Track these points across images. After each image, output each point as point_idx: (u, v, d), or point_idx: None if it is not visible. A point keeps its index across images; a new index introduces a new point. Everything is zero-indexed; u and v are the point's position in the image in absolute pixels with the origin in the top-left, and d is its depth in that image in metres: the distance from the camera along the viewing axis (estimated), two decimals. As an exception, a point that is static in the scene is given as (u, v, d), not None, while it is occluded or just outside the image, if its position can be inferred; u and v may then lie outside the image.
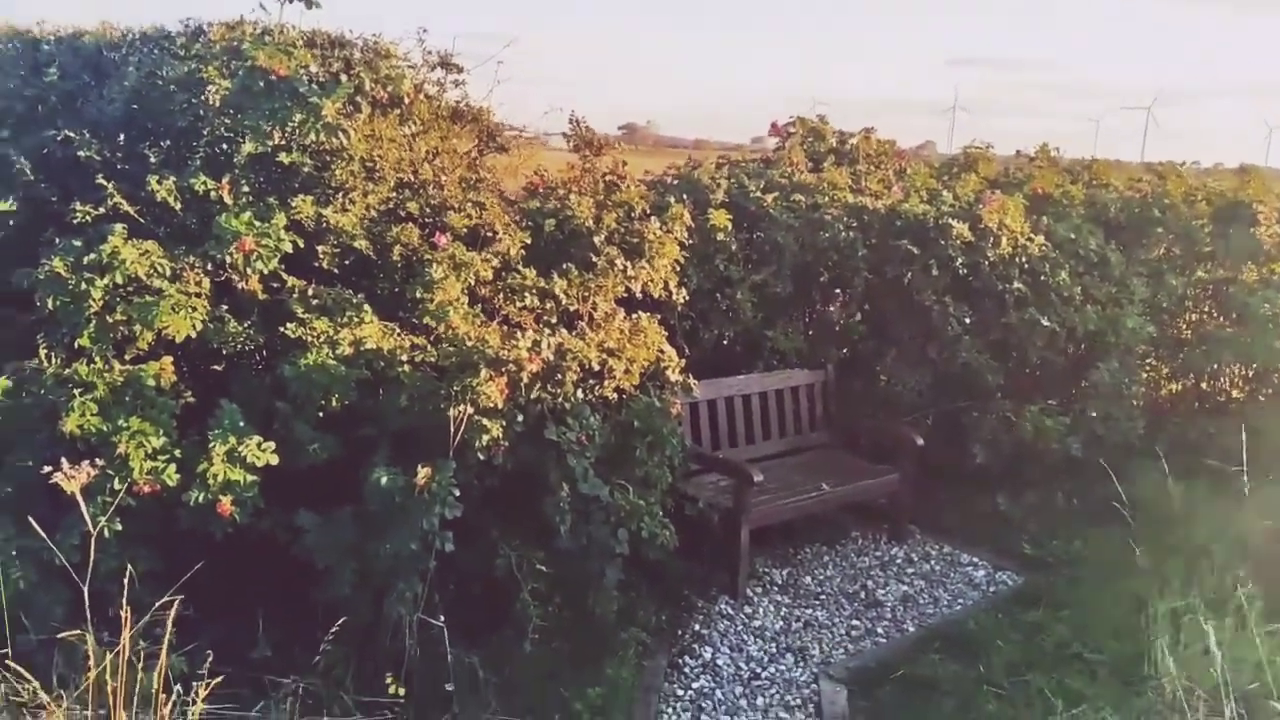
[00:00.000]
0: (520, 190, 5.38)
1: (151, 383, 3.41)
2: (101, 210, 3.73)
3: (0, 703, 2.57)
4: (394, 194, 4.59)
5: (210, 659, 2.80)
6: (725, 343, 5.90)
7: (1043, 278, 6.33)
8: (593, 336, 4.38)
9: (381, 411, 3.80)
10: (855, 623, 4.85)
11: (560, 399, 4.12)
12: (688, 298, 5.15)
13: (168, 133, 4.21)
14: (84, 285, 3.42)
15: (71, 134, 3.95)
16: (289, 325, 3.76)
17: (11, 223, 3.79)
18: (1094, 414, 6.35)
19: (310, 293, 3.94)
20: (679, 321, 5.40)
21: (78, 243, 3.55)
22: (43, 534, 2.85)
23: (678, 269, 5.03)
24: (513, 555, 3.94)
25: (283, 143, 4.21)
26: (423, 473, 3.49)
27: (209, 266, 3.74)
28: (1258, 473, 5.13)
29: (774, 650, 4.54)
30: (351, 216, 4.19)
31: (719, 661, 4.41)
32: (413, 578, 3.51)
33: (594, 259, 4.68)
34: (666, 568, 4.66)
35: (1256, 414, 6.57)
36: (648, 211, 5.08)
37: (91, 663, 2.57)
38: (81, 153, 3.91)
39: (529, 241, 4.59)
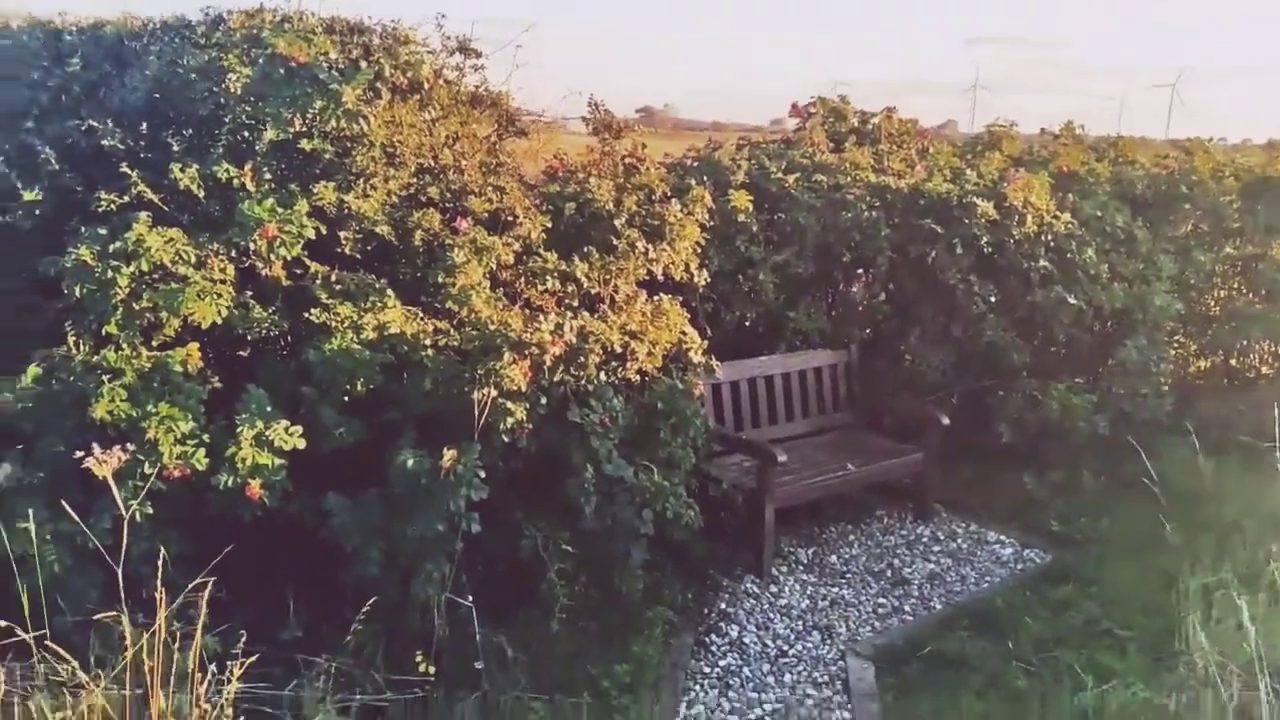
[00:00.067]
0: (540, 174, 5.38)
1: (179, 369, 3.44)
2: (126, 199, 3.77)
3: (40, 682, 2.60)
4: (415, 179, 4.60)
5: (244, 639, 2.83)
6: (747, 324, 5.88)
7: (1069, 255, 6.27)
8: (614, 319, 4.37)
9: (406, 395, 3.82)
10: (882, 601, 4.84)
11: (583, 381, 4.13)
12: (709, 279, 5.13)
13: (189, 121, 4.24)
14: (110, 273, 3.45)
15: (95, 123, 3.99)
16: (313, 311, 3.78)
17: (38, 212, 3.83)
18: (1121, 391, 6.29)
19: (333, 278, 3.96)
20: (701, 303, 5.38)
21: (103, 231, 3.58)
22: (76, 518, 2.89)
23: (699, 251, 5.01)
24: (538, 536, 3.95)
25: (304, 129, 4.23)
26: (448, 455, 3.50)
27: (233, 253, 3.76)
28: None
29: (800, 628, 4.55)
30: (373, 202, 4.20)
31: (745, 639, 4.42)
32: (440, 558, 3.54)
33: (615, 242, 4.68)
34: (691, 548, 4.67)
35: (1287, 390, 6.49)
36: (668, 194, 5.06)
37: (128, 643, 2.60)
38: (105, 142, 3.95)
39: (549, 225, 4.60)
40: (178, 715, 2.63)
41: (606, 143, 5.38)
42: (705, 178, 5.66)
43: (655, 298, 4.62)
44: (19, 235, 3.84)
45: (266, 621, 3.44)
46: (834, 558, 5.27)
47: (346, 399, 3.71)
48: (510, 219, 4.56)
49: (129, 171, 3.78)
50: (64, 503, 2.91)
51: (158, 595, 2.66)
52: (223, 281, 3.65)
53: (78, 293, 3.45)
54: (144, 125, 4.06)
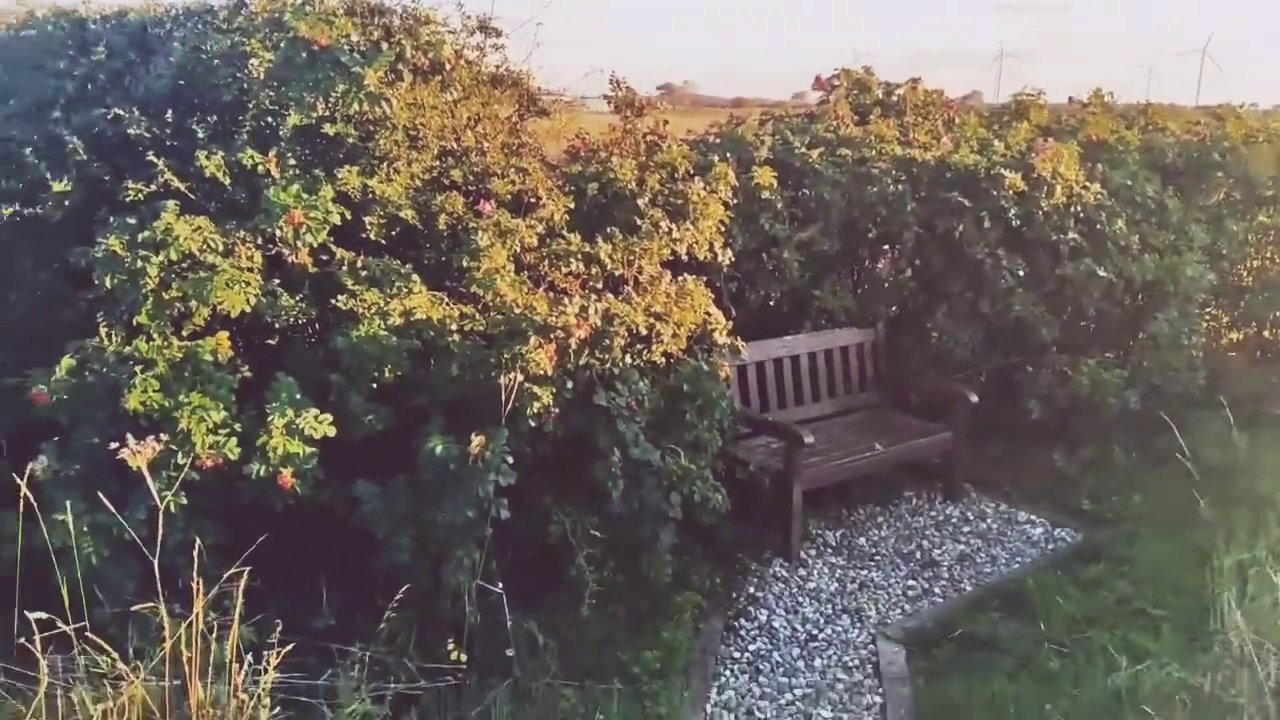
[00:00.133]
0: (562, 154, 5.34)
1: (209, 358, 3.45)
2: (153, 187, 3.76)
3: (81, 674, 2.64)
4: (437, 162, 4.57)
5: (279, 629, 2.86)
6: (772, 303, 5.83)
7: (1098, 227, 6.18)
8: (639, 301, 4.35)
9: (433, 381, 3.83)
10: (911, 583, 4.83)
11: (609, 364, 4.12)
12: (733, 258, 5.09)
13: (214, 107, 4.22)
14: (140, 263, 3.44)
15: (121, 112, 3.98)
16: (340, 297, 3.78)
17: (67, 203, 3.83)
18: (1152, 366, 6.21)
19: (359, 264, 3.95)
20: (725, 283, 5.35)
21: (132, 220, 3.58)
22: (112, 509, 2.91)
23: (723, 229, 4.97)
24: (566, 521, 3.97)
25: (327, 114, 4.21)
26: (476, 441, 3.50)
27: (259, 240, 3.76)
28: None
29: (830, 612, 4.54)
30: (397, 186, 4.19)
31: (775, 624, 4.42)
32: (469, 545, 3.55)
33: (638, 222, 4.64)
34: (719, 531, 4.68)
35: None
36: (691, 171, 5.01)
37: (166, 634, 2.63)
38: (131, 130, 3.94)
39: (572, 206, 4.56)
40: (216, 705, 2.66)
41: (629, 120, 5.33)
42: (728, 154, 5.61)
43: (679, 278, 4.59)
44: (49, 226, 3.85)
45: (300, 610, 3.47)
46: (862, 540, 5.26)
47: (374, 386, 3.72)
48: (533, 200, 4.53)
49: (155, 160, 3.77)
50: (100, 494, 2.94)
51: (194, 585, 2.68)
52: (250, 269, 3.65)
53: (108, 283, 3.46)
54: (169, 113, 4.04)
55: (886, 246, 6.37)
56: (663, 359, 4.41)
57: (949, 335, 6.00)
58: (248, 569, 2.81)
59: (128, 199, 3.71)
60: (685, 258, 4.76)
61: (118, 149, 4.06)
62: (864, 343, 5.99)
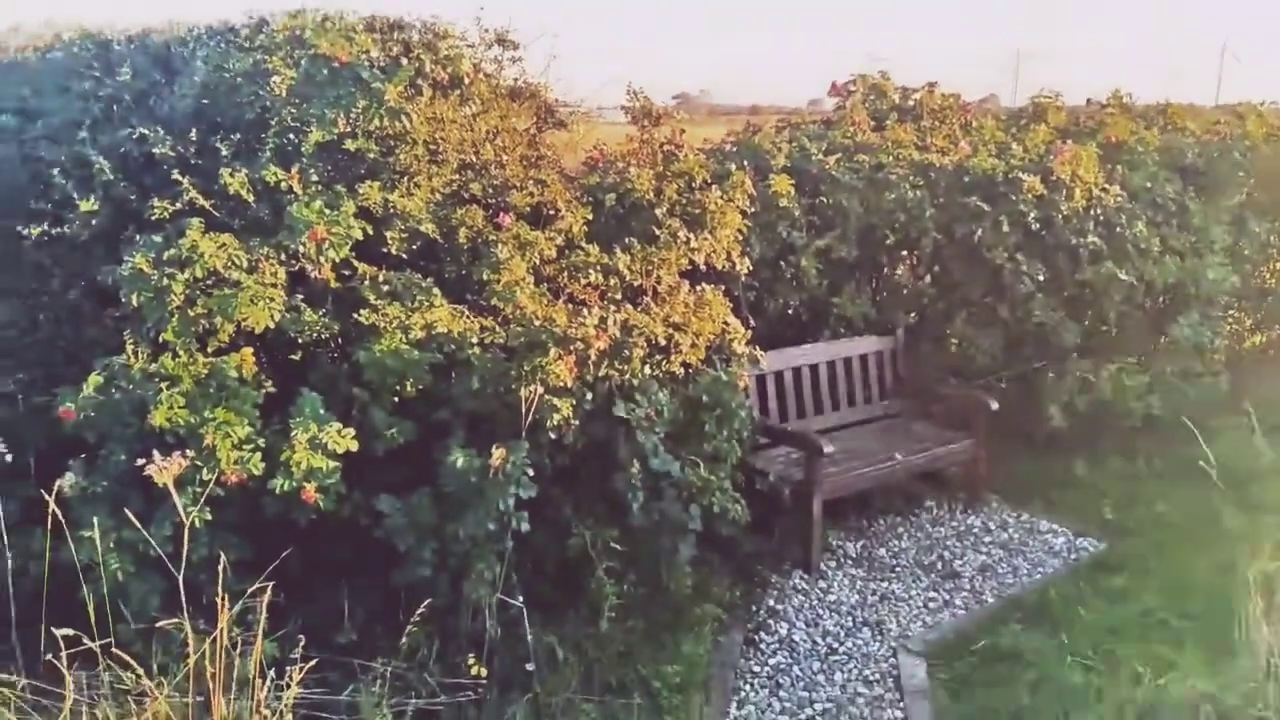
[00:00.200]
0: (580, 165, 5.36)
1: (234, 374, 3.49)
2: (178, 205, 3.83)
3: (105, 690, 2.68)
4: (457, 176, 4.62)
5: (301, 644, 2.89)
6: (791, 312, 5.83)
7: (1119, 229, 6.13)
8: (658, 311, 4.37)
9: (454, 394, 3.85)
10: (932, 594, 4.81)
11: (628, 375, 4.13)
12: (751, 267, 5.10)
13: (237, 125, 4.29)
14: (166, 280, 3.50)
15: (146, 131, 4.05)
16: (362, 312, 3.82)
17: (94, 222, 3.90)
18: (1175, 371, 6.17)
19: (381, 279, 3.99)
20: (743, 292, 5.36)
21: (158, 239, 3.64)
22: (138, 525, 2.96)
23: (740, 238, 4.98)
24: (586, 533, 3.98)
25: (348, 129, 4.26)
26: (497, 453, 3.53)
27: (283, 256, 3.81)
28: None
29: (850, 624, 4.53)
30: (417, 200, 4.23)
31: (795, 637, 4.41)
32: (490, 558, 3.58)
33: (656, 232, 4.66)
34: (738, 543, 4.68)
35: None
36: (708, 180, 5.02)
37: (190, 649, 2.67)
38: (156, 150, 4.01)
39: (590, 217, 4.59)
40: (240, 722, 2.69)
41: (646, 130, 5.36)
42: (745, 162, 5.61)
43: (697, 288, 4.60)
44: (76, 245, 3.92)
45: (322, 625, 3.51)
46: (883, 551, 5.24)
47: (396, 399, 3.75)
48: (552, 212, 4.56)
49: (180, 178, 3.84)
50: (126, 510, 2.98)
51: (218, 601, 2.72)
52: (274, 285, 3.70)
53: (135, 301, 3.51)
54: (193, 131, 4.11)
55: (905, 253, 6.35)
56: (681, 369, 4.42)
57: (969, 342, 5.97)
58: (271, 584, 2.84)
59: (154, 217, 3.77)
60: (703, 267, 4.77)
61: (143, 168, 4.13)
62: (883, 350, 5.98)
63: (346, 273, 4.00)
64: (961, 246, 5.97)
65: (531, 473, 3.63)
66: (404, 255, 4.19)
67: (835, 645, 4.37)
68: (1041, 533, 5.47)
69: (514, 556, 3.66)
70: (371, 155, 4.34)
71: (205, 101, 4.44)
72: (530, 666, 3.66)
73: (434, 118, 4.64)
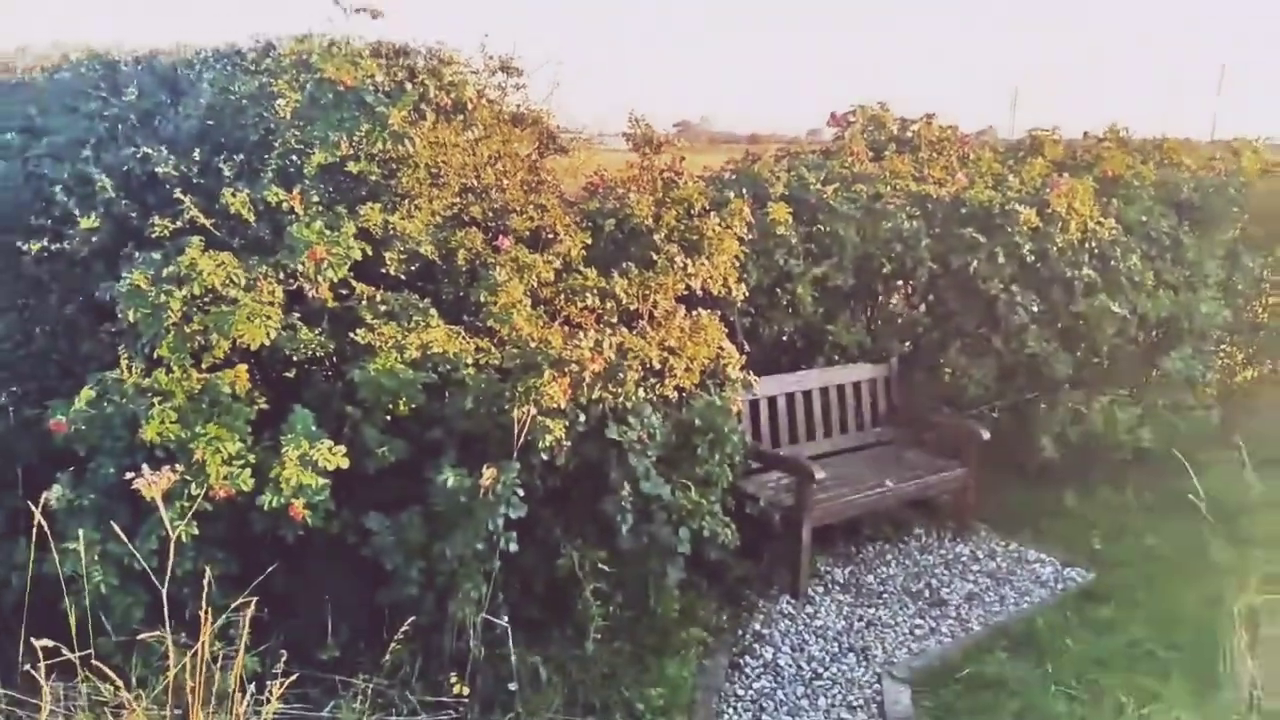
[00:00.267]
0: (580, 190, 5.43)
1: (227, 390, 3.53)
2: (179, 224, 3.88)
3: (83, 702, 2.69)
4: (458, 199, 4.68)
5: (284, 659, 2.91)
6: (786, 338, 5.88)
7: (1113, 263, 6.19)
8: (653, 335, 4.42)
9: (447, 414, 3.89)
10: (919, 621, 4.81)
11: (621, 398, 4.16)
12: (747, 293, 5.15)
13: (240, 146, 4.35)
14: (163, 297, 3.55)
15: (150, 151, 4.11)
16: (358, 331, 3.86)
17: (94, 239, 3.96)
18: (1166, 404, 6.20)
19: (378, 298, 4.04)
20: (739, 318, 5.41)
21: (157, 256, 3.69)
22: (124, 538, 2.99)
23: (737, 265, 5.03)
24: (575, 554, 4.01)
25: (351, 152, 4.32)
26: (488, 474, 3.57)
27: (281, 275, 3.86)
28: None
29: (836, 650, 4.53)
30: (417, 223, 4.28)
31: (780, 661, 4.42)
32: (477, 577, 3.60)
33: (654, 257, 4.72)
34: (727, 567, 4.71)
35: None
36: (707, 207, 5.08)
37: (170, 663, 2.69)
38: (159, 169, 4.07)
39: (589, 242, 4.65)
40: (218, 735, 2.71)
41: (646, 157, 5.42)
42: (744, 190, 5.67)
43: (693, 313, 4.65)
44: (76, 261, 3.98)
45: (306, 641, 3.53)
46: (871, 577, 5.25)
47: (389, 418, 3.79)
48: (551, 236, 4.62)
49: (182, 197, 3.90)
50: (113, 524, 3.01)
51: (201, 615, 2.75)
52: (271, 304, 3.75)
53: (131, 316, 3.55)
54: (197, 152, 4.17)
55: (900, 282, 6.40)
56: (675, 393, 4.46)
57: (962, 371, 6.01)
58: (255, 599, 2.87)
59: (154, 235, 3.82)
60: (700, 292, 4.82)
61: (146, 187, 4.19)
62: (877, 378, 6.01)
63: (344, 292, 4.05)
64: (957, 277, 6.02)
65: (522, 493, 3.66)
66: (402, 276, 4.25)
67: (820, 670, 4.37)
68: (1029, 562, 5.47)
69: (501, 576, 3.68)
70: (374, 177, 4.41)
71: (210, 123, 4.51)
72: (513, 686, 3.68)
73: (436, 142, 4.71)
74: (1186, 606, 4.70)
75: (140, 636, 2.94)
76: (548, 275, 4.38)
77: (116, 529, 3.00)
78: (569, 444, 3.93)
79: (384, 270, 4.18)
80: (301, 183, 4.15)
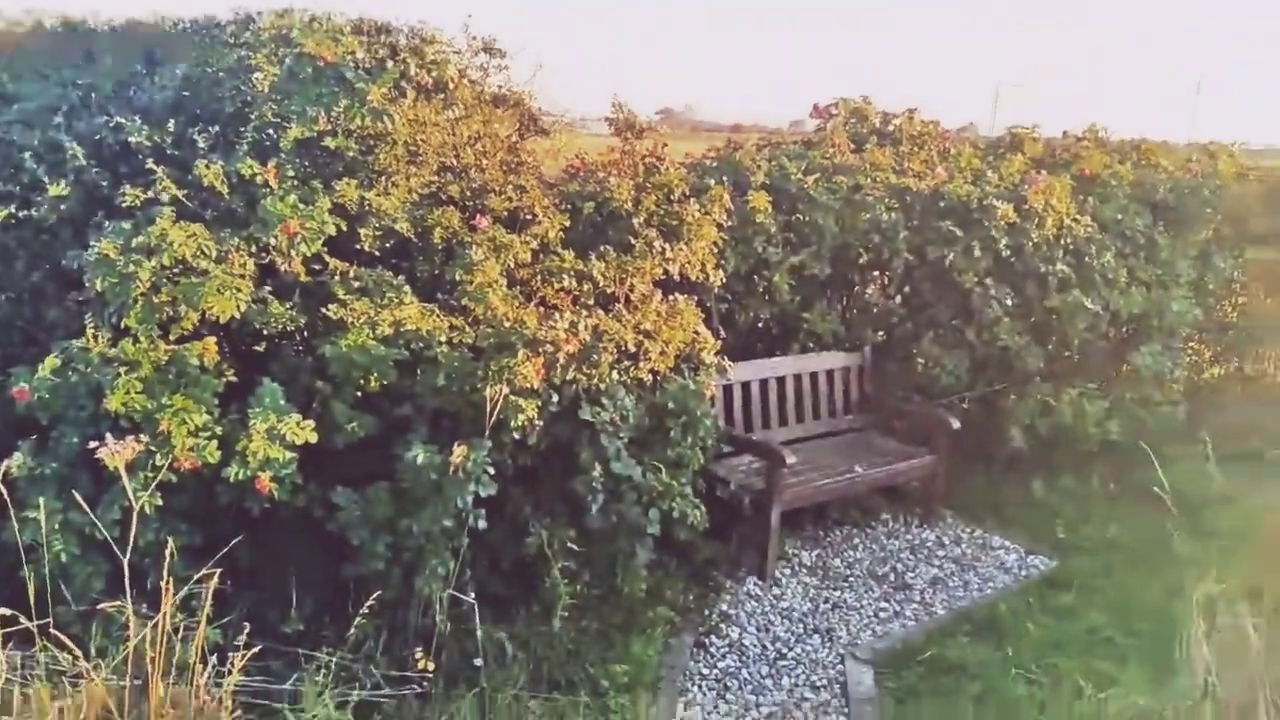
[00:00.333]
0: (560, 173, 5.43)
1: (195, 362, 3.51)
2: (150, 194, 3.85)
3: (40, 671, 2.68)
4: (436, 177, 4.67)
5: (246, 631, 2.91)
6: (761, 325, 5.90)
7: (1087, 259, 6.27)
8: (629, 318, 4.43)
9: (418, 391, 3.89)
10: (883, 605, 4.86)
11: (595, 380, 4.18)
12: (724, 280, 5.17)
13: (216, 118, 4.32)
14: (132, 266, 3.52)
15: (122, 120, 4.08)
16: (330, 306, 3.85)
17: (63, 207, 3.92)
18: (1134, 398, 6.27)
19: (351, 274, 4.03)
20: (715, 304, 5.43)
21: (127, 225, 3.66)
22: (86, 508, 2.97)
23: (715, 251, 5.05)
24: (544, 533, 4.02)
25: (328, 127, 4.30)
26: (459, 451, 3.57)
27: (253, 249, 3.84)
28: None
29: (801, 631, 4.58)
30: (394, 200, 4.27)
31: (746, 641, 4.46)
32: (445, 554, 3.61)
33: (632, 241, 4.72)
34: (695, 548, 4.74)
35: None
36: (687, 193, 5.09)
37: (131, 633, 2.68)
38: (132, 138, 4.03)
39: (568, 224, 4.65)
40: (176, 706, 2.71)
41: (628, 142, 5.42)
42: (724, 178, 5.68)
43: (670, 297, 4.66)
44: (44, 229, 3.94)
45: (269, 614, 3.53)
46: (837, 561, 5.30)
47: (359, 394, 3.79)
48: (529, 217, 4.62)
49: (155, 168, 3.87)
50: (75, 493, 3.00)
51: (163, 585, 2.74)
52: (242, 276, 3.73)
53: (99, 285, 3.51)
54: (171, 123, 4.14)
55: (877, 273, 6.44)
56: (650, 376, 4.47)
57: (934, 362, 6.05)
58: (218, 571, 2.87)
59: (124, 204, 3.79)
60: (677, 277, 4.83)
61: (118, 156, 4.16)
62: (850, 366, 6.05)
63: (317, 267, 4.04)
64: (933, 269, 6.07)
65: (492, 471, 3.67)
66: (377, 253, 4.23)
67: (785, 651, 4.41)
68: (994, 549, 5.54)
69: (469, 553, 3.70)
70: (351, 153, 4.39)
71: (185, 94, 4.47)
72: (479, 662, 3.69)
73: (416, 120, 4.70)
74: (1146, 595, 4.76)
75: (100, 606, 2.93)
76: (525, 256, 4.38)
77: (78, 498, 2.99)
78: (541, 424, 3.94)
79: (358, 246, 4.17)
80: (277, 156, 4.13)
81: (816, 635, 4.55)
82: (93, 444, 2.87)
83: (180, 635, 2.78)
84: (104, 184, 4.01)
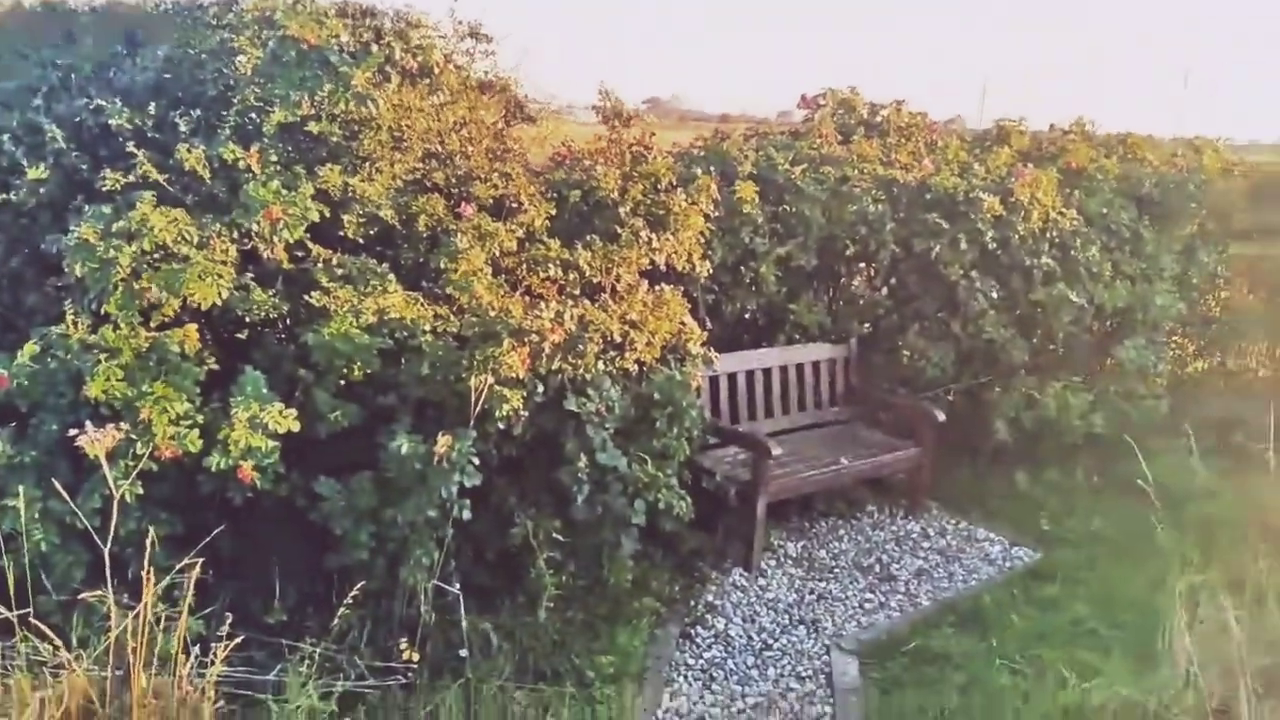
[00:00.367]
0: (547, 161, 5.39)
1: (176, 349, 3.47)
2: (131, 178, 3.79)
3: (21, 661, 2.65)
4: (421, 164, 4.63)
5: (229, 621, 2.88)
6: (748, 316, 5.89)
7: (1073, 253, 6.28)
8: (615, 308, 4.40)
9: (402, 380, 3.86)
10: (869, 596, 4.87)
11: (581, 370, 4.16)
12: (711, 270, 5.15)
13: (198, 102, 4.26)
14: (112, 252, 3.47)
15: (103, 102, 4.01)
16: (313, 294, 3.81)
17: (42, 190, 3.86)
18: (1118, 391, 6.30)
19: (335, 261, 3.99)
20: (702, 294, 5.41)
21: (107, 210, 3.60)
22: (66, 496, 2.93)
23: (702, 241, 5.03)
24: (529, 523, 4.00)
25: (312, 112, 4.25)
26: (443, 441, 3.54)
27: (236, 235, 3.79)
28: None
29: (786, 622, 4.58)
30: (378, 186, 4.23)
31: (731, 632, 4.46)
32: (429, 544, 3.59)
33: (618, 230, 4.70)
34: (681, 539, 4.73)
35: (1286, 391, 6.51)
36: (674, 183, 5.06)
37: (112, 624, 2.65)
38: (113, 121, 3.97)
39: (554, 212, 4.61)
40: (159, 696, 2.67)
41: (615, 130, 5.39)
42: (711, 168, 5.66)
43: (656, 287, 4.64)
44: (22, 213, 3.88)
45: (252, 604, 3.49)
46: (823, 552, 5.30)
47: (343, 383, 3.75)
48: (515, 205, 4.58)
49: (135, 151, 3.81)
50: (54, 480, 2.96)
51: (144, 575, 2.70)
52: (224, 263, 3.68)
53: (78, 271, 3.47)
54: (152, 105, 4.08)
55: (863, 264, 6.43)
56: (635, 367, 4.45)
57: (920, 354, 6.06)
58: (200, 561, 2.83)
59: (105, 188, 3.74)
60: (664, 268, 4.81)
61: (98, 139, 4.09)
62: (836, 358, 6.05)
63: (300, 254, 3.99)
64: (919, 261, 6.07)
65: (477, 461, 3.65)
66: (361, 240, 4.19)
67: (770, 641, 4.41)
68: (979, 541, 5.56)
69: (454, 543, 3.67)
70: (334, 139, 4.34)
71: (167, 76, 4.41)
72: (464, 653, 3.67)
73: (400, 105, 4.64)
74: (1130, 587, 4.79)
75: (81, 596, 2.89)
76: (510, 244, 4.35)
77: (58, 487, 2.95)
78: (526, 414, 3.91)
79: (342, 233, 4.13)
80: (260, 141, 4.07)
81: (802, 626, 4.55)
82: (73, 432, 2.83)
83: (162, 625, 2.74)
84: (84, 167, 3.95)
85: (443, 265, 4.11)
